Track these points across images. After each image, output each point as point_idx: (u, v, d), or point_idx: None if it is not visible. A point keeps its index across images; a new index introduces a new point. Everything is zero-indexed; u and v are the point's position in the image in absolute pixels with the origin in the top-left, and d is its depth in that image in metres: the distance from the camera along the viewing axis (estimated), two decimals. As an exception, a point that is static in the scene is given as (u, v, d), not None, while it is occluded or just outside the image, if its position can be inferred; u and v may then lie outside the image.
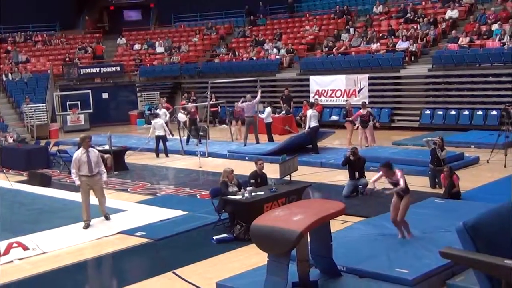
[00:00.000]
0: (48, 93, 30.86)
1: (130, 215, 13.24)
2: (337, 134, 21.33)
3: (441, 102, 24.14)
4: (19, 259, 10.78)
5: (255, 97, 22.28)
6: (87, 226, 12.28)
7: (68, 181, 18.20)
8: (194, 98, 28.08)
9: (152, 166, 19.93)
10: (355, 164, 13.88)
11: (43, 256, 10.91)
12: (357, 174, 13.83)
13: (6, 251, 10.98)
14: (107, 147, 19.13)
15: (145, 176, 18.23)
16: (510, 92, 21.68)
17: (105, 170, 12.86)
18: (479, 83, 23.17)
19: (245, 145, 21.34)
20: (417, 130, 23.45)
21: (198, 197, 14.89)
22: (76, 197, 15.35)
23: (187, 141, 22.53)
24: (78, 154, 12.49)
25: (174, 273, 9.61)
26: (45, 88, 31.20)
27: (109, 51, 36.60)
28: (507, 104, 17.11)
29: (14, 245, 11.25)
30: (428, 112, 24.02)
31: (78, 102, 30.81)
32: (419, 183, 14.57)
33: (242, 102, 22.12)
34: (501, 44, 23.63)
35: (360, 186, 13.78)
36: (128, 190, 16.25)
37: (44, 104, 29.67)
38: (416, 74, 25.06)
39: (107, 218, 12.66)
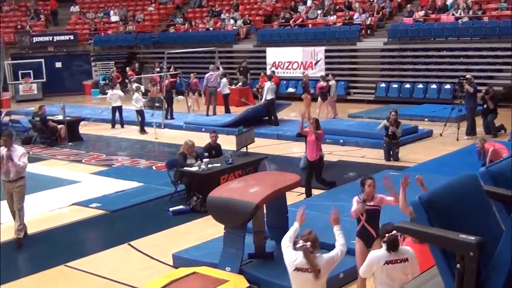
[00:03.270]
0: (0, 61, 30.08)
1: (84, 187, 13.09)
2: (293, 106, 21.35)
3: (396, 76, 24.39)
4: (-30, 231, 10.57)
5: (219, 68, 22.32)
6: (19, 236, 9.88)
7: (20, 151, 17.87)
8: (158, 69, 27.66)
9: (108, 137, 19.68)
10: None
11: (-6, 228, 10.71)
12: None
13: (-44, 223, 10.73)
14: (60, 117, 18.80)
15: (100, 147, 18.00)
16: (463, 66, 22.05)
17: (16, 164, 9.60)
18: (433, 57, 23.47)
19: (207, 115, 21.56)
20: (373, 103, 23.68)
21: (154, 168, 14.79)
22: (30, 168, 15.09)
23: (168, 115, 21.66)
24: None
25: (130, 245, 9.57)
26: (-4, 56, 30.39)
27: (63, 19, 35.76)
28: (461, 78, 17.35)
29: (-36, 216, 10.99)
30: (383, 85, 24.25)
31: (31, 71, 30.09)
32: (374, 155, 14.78)
33: (211, 75, 22.00)
34: (455, 18, 23.93)
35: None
36: (83, 161, 16.03)
37: (-5, 73, 28.93)
38: (372, 47, 25.24)
39: (19, 238, 9.87)
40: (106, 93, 23.59)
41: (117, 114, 20.75)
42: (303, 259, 5.35)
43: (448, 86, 22.43)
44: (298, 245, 5.45)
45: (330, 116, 20.12)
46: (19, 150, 9.79)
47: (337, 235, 5.70)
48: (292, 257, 5.44)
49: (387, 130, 14.20)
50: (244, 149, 13.31)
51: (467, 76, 17.22)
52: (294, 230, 5.74)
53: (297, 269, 5.40)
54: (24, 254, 9.54)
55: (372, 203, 6.88)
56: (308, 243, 5.37)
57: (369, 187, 6.85)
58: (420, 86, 23.33)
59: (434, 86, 23.01)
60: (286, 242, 5.59)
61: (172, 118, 21.37)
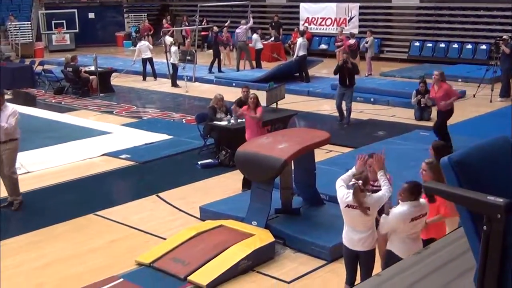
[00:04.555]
0: (33, 11, 30.17)
1: (115, 138, 13.21)
2: (325, 63, 21.18)
3: (431, 35, 23.91)
4: (3, 178, 10.79)
5: (248, 22, 22.14)
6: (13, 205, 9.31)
7: (53, 101, 18.10)
8: (186, 23, 27.53)
9: (139, 89, 19.77)
10: (347, 70, 13.75)
11: (27, 175, 10.92)
12: (343, 80, 13.76)
13: (-10, 169, 10.93)
14: (92, 68, 18.89)
15: (131, 99, 18.11)
16: (500, 27, 21.51)
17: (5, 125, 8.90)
18: (470, 17, 22.92)
19: (237, 70, 21.40)
20: (406, 62, 23.33)
21: (184, 122, 14.87)
22: (61, 117, 15.32)
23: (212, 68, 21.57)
24: None
25: (158, 196, 9.68)
26: (30, 5, 30.45)
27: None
28: (497, 38, 16.96)
29: (-2, 163, 11.19)
30: (417, 44, 23.84)
31: (64, 22, 30.14)
32: (405, 115, 14.63)
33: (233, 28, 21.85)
34: (495, -23, 23.26)
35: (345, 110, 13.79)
36: (114, 112, 16.17)
37: (29, 22, 29.04)
38: (408, 5, 24.69)
39: (11, 205, 9.32)
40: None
41: (148, 66, 20.77)
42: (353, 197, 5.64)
43: (483, 47, 21.97)
44: (350, 183, 5.73)
45: (364, 74, 19.90)
46: (9, 109, 9.02)
47: (382, 180, 5.86)
48: (344, 195, 5.71)
49: (419, 101, 13.92)
50: (274, 105, 13.26)
51: (504, 36, 16.82)
52: (351, 172, 5.93)
53: (348, 206, 5.68)
54: (54, 201, 9.71)
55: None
56: (360, 182, 5.64)
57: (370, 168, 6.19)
58: (455, 46, 22.88)
59: (469, 46, 22.53)
60: (339, 182, 5.85)
61: (220, 71, 21.31)
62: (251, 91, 11.31)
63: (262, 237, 7.46)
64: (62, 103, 17.79)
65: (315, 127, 11.88)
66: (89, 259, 7.61)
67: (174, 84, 19.60)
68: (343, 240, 5.89)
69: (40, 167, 11.32)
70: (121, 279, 6.90)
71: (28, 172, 11.07)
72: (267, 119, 12.10)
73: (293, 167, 8.56)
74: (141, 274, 7.14)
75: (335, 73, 14.09)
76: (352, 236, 5.76)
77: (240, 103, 12.54)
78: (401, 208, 5.52)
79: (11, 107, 9.17)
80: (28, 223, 8.74)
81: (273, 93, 13.26)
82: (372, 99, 16.28)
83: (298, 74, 19.44)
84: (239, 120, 11.49)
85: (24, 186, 10.26)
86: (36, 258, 7.68)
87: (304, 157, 8.47)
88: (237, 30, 22.05)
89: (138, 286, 6.75)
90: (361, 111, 15.02)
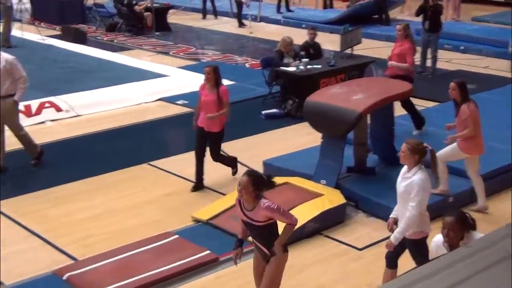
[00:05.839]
0: None
1: (171, 81, 13.32)
2: (407, 4, 20.72)
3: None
4: (51, 121, 11.10)
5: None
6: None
7: (104, 39, 18.32)
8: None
9: (198, 28, 19.82)
10: (429, 13, 13.38)
11: (77, 119, 11.20)
12: (427, 24, 13.41)
13: (38, 111, 11.26)
14: (148, 3, 18.98)
15: (190, 39, 18.18)
16: None
17: (23, 86, 8.77)
18: None
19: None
20: (502, 5, 22.53)
21: (247, 66, 14.85)
22: (114, 57, 15.52)
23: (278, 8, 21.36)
24: None
25: (217, 147, 9.73)
26: None
27: None
28: None
29: (46, 105, 11.51)
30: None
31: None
32: (498, 66, 14.22)
33: None
34: None
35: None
36: (170, 53, 16.28)
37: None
38: None
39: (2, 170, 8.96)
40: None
41: (209, 3, 20.73)
42: None
43: None
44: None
45: (452, 17, 19.32)
46: (3, 57, 8.67)
47: None
48: None
49: None
50: (348, 51, 13.07)
51: None
52: None
53: None
54: (105, 147, 9.92)
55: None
56: None
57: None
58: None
59: None
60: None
61: (289, 10, 21.11)
62: (322, 34, 11.10)
63: (331, 198, 7.45)
64: (115, 41, 18.01)
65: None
66: (141, 212, 7.78)
67: (240, 24, 19.52)
68: None
69: (90, 111, 11.55)
70: (176, 236, 7.04)
71: (78, 115, 11.33)
72: (341, 66, 11.99)
73: (369, 121, 8.46)
74: (197, 231, 7.27)
75: (416, 14, 13.77)
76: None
77: (306, 46, 12.44)
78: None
79: (5, 57, 8.70)
80: (77, 171, 8.96)
81: (348, 37, 13.07)
82: (462, 47, 15.88)
83: (377, 16, 19.09)
84: (309, 66, 11.41)
85: (73, 130, 10.55)
86: (86, 208, 7.91)
87: (382, 110, 8.35)
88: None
89: (194, 244, 6.86)
90: (449, 60, 14.67)
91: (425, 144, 5.57)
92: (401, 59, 10.00)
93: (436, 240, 4.95)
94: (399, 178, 5.57)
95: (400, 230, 5.45)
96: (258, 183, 5.05)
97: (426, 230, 5.55)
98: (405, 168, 5.55)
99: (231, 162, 8.73)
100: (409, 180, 5.43)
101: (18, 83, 8.68)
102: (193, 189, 8.37)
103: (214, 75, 8.22)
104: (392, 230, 5.59)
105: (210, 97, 8.21)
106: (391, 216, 5.71)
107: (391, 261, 5.74)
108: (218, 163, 8.49)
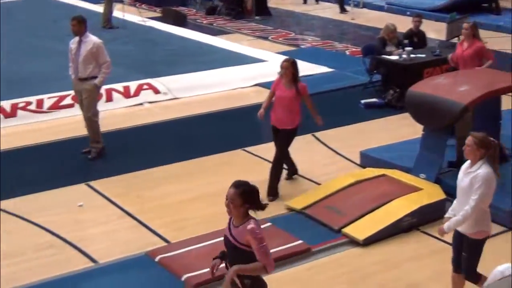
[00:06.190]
0: None
1: (269, 67, 13.37)
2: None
3: None
4: (149, 103, 11.42)
5: None
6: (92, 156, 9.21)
7: (204, 22, 18.64)
8: None
9: (298, 13, 19.86)
10: None
11: (174, 101, 11.47)
12: None
13: (136, 93, 11.63)
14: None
15: (289, 24, 18.25)
16: None
17: (106, 71, 8.99)
18: None
19: None
20: None
21: (348, 53, 14.78)
22: (213, 40, 15.78)
23: None
24: (70, 42, 9.15)
25: (314, 136, 9.79)
26: None
27: None
28: None
29: (145, 87, 11.86)
30: None
31: None
32: None
33: None
34: None
35: None
36: (269, 38, 16.40)
37: None
38: None
39: (91, 155, 9.22)
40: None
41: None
42: None
43: None
44: None
45: None
46: (91, 41, 8.87)
47: None
48: None
49: None
50: (455, 40, 12.80)
51: None
52: None
53: None
54: (202, 131, 10.14)
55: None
56: None
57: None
58: None
59: None
60: None
61: None
62: (427, 22, 10.93)
63: (430, 193, 7.37)
64: (214, 24, 18.30)
65: (504, 69, 11.34)
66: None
67: (342, 10, 19.43)
68: None
69: (187, 94, 11.82)
70: (269, 223, 7.11)
71: (175, 98, 11.61)
72: (446, 55, 11.74)
73: (474, 114, 8.30)
74: (291, 220, 7.35)
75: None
76: None
77: (410, 34, 12.26)
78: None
79: (93, 40, 8.91)
80: (173, 154, 9.22)
81: (454, 25, 12.81)
82: None
83: (486, 4, 18.58)
84: (412, 55, 11.26)
85: (170, 113, 10.84)
86: (181, 191, 8.14)
87: (488, 103, 8.18)
88: None
89: (287, 233, 6.94)
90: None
91: (491, 138, 5.42)
92: (472, 61, 9.46)
93: (501, 270, 4.07)
94: (460, 174, 5.41)
95: (455, 220, 5.34)
96: (247, 196, 4.42)
97: (487, 229, 5.44)
98: (467, 163, 5.39)
99: (292, 167, 8.44)
100: (473, 174, 5.29)
101: (102, 67, 8.90)
102: (287, 176, 8.44)
103: (292, 69, 7.92)
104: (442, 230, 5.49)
105: (287, 93, 7.93)
106: (445, 216, 5.57)
107: (458, 265, 5.64)
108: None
